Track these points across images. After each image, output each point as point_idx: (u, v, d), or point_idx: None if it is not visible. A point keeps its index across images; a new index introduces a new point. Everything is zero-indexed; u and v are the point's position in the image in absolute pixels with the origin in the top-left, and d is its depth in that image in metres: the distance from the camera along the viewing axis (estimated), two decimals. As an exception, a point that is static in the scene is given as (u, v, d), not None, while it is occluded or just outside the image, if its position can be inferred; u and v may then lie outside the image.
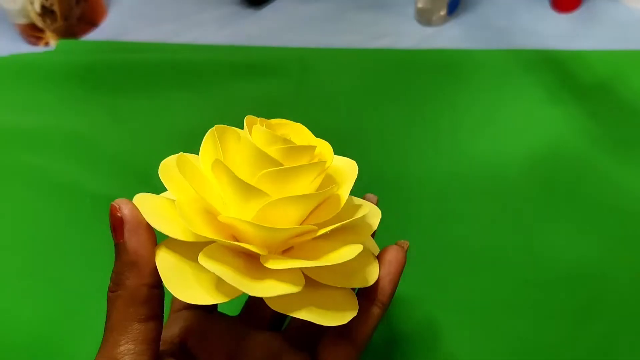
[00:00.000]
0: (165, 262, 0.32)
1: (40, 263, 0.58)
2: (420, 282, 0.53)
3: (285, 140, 0.33)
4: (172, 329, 0.39)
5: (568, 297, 0.52)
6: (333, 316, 0.32)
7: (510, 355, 0.50)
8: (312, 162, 0.33)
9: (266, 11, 0.86)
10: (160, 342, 0.34)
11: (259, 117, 0.35)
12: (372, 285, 0.35)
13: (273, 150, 0.32)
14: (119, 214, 0.33)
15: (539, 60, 0.71)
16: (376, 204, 0.39)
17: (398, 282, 0.37)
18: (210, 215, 0.33)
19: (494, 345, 0.50)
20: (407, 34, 0.78)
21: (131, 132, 0.70)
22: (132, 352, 0.32)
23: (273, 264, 0.31)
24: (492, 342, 0.50)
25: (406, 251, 0.38)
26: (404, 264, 0.37)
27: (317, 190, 0.34)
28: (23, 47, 0.85)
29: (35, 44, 0.85)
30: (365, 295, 0.36)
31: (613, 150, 0.62)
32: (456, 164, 0.63)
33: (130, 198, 0.34)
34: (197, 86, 0.74)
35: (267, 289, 0.31)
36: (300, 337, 0.40)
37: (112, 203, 0.33)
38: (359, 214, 0.34)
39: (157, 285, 0.33)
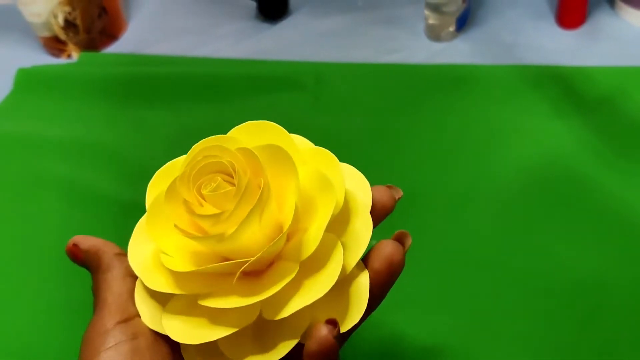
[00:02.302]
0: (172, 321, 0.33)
1: (67, 269, 0.60)
2: (427, 289, 0.55)
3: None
4: None
5: (571, 305, 0.54)
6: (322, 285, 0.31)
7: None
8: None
9: (282, 26, 0.88)
10: None
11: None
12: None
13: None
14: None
15: (545, 75, 0.73)
16: (391, 201, 0.36)
17: (389, 288, 0.34)
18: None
19: (499, 351, 0.52)
20: (418, 49, 0.81)
21: (153, 142, 0.73)
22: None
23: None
24: (499, 348, 0.52)
25: (406, 250, 0.35)
26: (401, 266, 0.34)
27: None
28: (46, 59, 0.88)
29: (57, 56, 0.88)
30: None
31: (616, 163, 0.63)
32: (464, 175, 0.65)
33: None
34: (215, 99, 0.76)
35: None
36: None
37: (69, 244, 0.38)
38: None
39: (120, 252, 0.37)
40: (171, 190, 0.32)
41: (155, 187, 0.36)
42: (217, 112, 0.75)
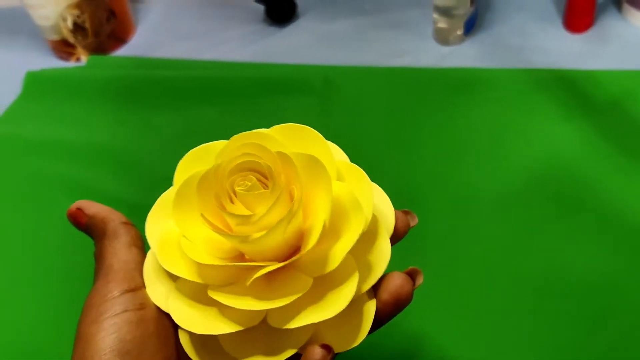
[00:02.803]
0: (177, 305, 0.33)
1: (72, 270, 0.61)
2: (435, 293, 0.54)
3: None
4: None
5: (580, 307, 0.54)
6: (330, 307, 0.31)
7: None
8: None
9: (289, 29, 0.88)
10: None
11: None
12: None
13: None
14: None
15: (552, 79, 0.73)
16: (405, 228, 0.36)
17: (393, 317, 0.34)
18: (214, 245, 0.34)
19: (508, 353, 0.52)
20: (426, 53, 0.81)
21: (161, 145, 0.73)
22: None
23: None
24: (505, 350, 0.52)
25: (416, 287, 0.34)
26: (408, 301, 0.34)
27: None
28: (54, 63, 0.88)
29: (66, 59, 0.88)
30: None
31: (624, 166, 0.63)
32: (471, 178, 0.65)
33: None
34: (223, 102, 0.77)
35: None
36: None
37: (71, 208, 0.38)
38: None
39: (127, 221, 0.37)
40: (204, 180, 0.32)
41: (186, 167, 0.35)
42: (224, 115, 0.75)
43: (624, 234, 0.58)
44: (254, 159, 0.32)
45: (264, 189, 0.32)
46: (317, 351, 0.31)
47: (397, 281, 0.33)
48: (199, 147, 0.36)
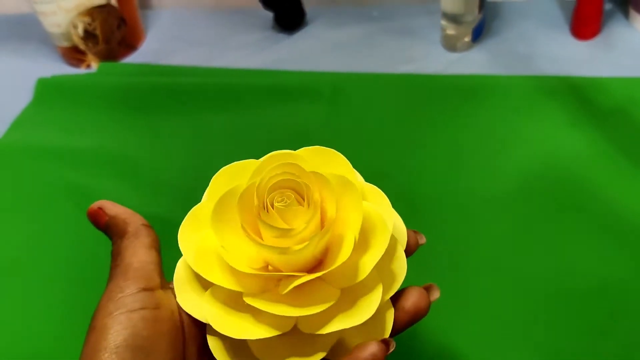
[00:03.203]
0: (211, 306, 0.35)
1: (81, 277, 0.62)
2: (441, 298, 0.55)
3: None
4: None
5: (590, 310, 0.54)
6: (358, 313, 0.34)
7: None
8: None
9: (298, 36, 0.89)
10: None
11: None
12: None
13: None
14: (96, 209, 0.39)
15: (560, 86, 0.74)
16: (415, 246, 0.39)
17: (408, 327, 0.37)
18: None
19: (516, 357, 0.52)
20: (434, 59, 0.81)
21: (172, 152, 0.74)
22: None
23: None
24: (513, 355, 0.52)
25: (432, 301, 0.37)
26: (425, 314, 0.37)
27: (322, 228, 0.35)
28: (65, 69, 0.89)
29: (77, 66, 0.89)
30: None
31: (632, 172, 0.63)
32: (479, 184, 0.65)
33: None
34: (232, 109, 0.77)
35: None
36: None
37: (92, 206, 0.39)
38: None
39: (147, 223, 0.38)
40: (245, 195, 0.34)
41: (220, 183, 0.37)
42: (234, 122, 0.76)
43: (632, 239, 0.58)
44: (292, 177, 0.34)
45: (300, 205, 0.34)
46: (374, 345, 0.34)
47: (416, 294, 0.36)
48: (231, 164, 0.38)
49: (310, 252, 0.34)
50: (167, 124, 0.77)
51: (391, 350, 0.35)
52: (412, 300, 0.36)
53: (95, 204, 0.39)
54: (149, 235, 0.37)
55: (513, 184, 0.64)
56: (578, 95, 0.72)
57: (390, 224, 0.36)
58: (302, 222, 0.34)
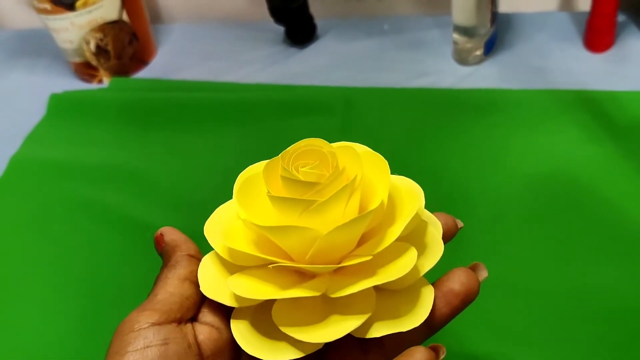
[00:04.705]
0: (239, 326, 0.35)
1: (94, 290, 0.62)
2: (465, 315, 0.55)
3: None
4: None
5: (610, 329, 0.53)
6: (406, 319, 0.33)
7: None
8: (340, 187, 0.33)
9: (309, 50, 0.89)
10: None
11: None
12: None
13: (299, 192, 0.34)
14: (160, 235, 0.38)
15: (573, 99, 0.73)
16: (454, 229, 0.39)
17: (458, 313, 0.35)
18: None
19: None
20: (446, 73, 0.81)
21: (184, 167, 0.74)
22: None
23: (339, 293, 0.33)
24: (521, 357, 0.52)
25: (481, 281, 0.36)
26: (476, 295, 0.35)
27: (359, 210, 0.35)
28: (77, 85, 0.90)
29: (89, 81, 0.89)
30: None
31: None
32: (493, 199, 0.65)
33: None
34: (244, 123, 0.77)
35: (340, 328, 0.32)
36: None
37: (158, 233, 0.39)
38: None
39: (196, 255, 0.37)
40: (270, 166, 0.34)
41: (244, 175, 0.38)
42: (246, 136, 0.76)
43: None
44: (317, 148, 0.34)
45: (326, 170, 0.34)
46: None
47: (463, 275, 0.35)
48: (258, 163, 0.38)
49: (339, 209, 0.33)
50: (180, 138, 0.77)
51: (441, 357, 0.33)
52: (460, 280, 0.34)
53: (159, 230, 0.39)
54: (188, 267, 0.36)
55: (528, 199, 0.64)
56: (592, 109, 0.72)
57: (421, 195, 0.37)
58: (329, 179, 0.33)
